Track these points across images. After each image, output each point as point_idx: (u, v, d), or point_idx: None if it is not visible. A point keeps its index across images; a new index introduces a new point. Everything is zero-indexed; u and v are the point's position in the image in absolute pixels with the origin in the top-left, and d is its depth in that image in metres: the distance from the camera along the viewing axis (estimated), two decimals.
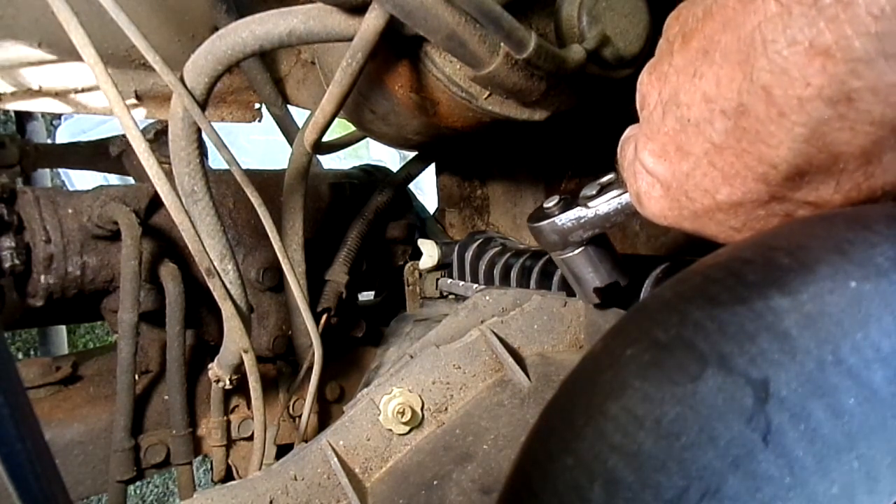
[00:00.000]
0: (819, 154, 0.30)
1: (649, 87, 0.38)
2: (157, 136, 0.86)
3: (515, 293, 0.65)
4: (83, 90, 0.90)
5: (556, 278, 0.69)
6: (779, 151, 0.31)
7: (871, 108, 0.27)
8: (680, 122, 0.35)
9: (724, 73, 0.32)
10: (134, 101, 0.93)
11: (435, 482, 0.50)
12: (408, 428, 0.55)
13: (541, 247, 0.55)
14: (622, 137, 0.43)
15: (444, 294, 0.98)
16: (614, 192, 0.47)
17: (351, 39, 0.58)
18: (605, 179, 0.49)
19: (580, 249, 0.52)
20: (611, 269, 0.53)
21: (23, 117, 1.59)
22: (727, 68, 0.31)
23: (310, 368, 0.77)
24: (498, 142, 1.01)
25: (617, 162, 0.44)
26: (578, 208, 0.49)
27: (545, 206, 0.52)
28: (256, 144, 2.43)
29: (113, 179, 1.63)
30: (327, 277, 0.90)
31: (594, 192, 0.49)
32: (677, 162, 0.36)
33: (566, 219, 0.50)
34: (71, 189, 1.66)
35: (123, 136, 0.90)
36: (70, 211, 0.77)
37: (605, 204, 0.48)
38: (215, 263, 0.65)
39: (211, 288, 0.65)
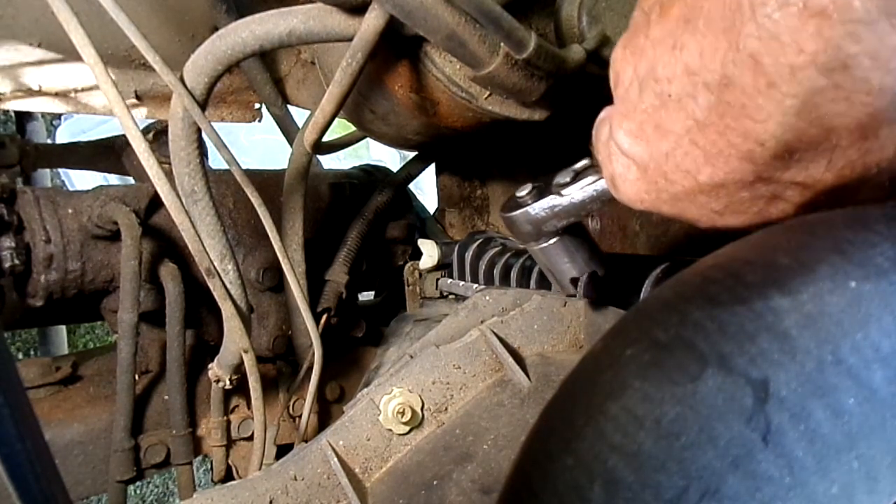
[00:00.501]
0: (810, 129, 0.28)
1: (623, 63, 0.35)
2: (157, 136, 0.86)
3: (515, 293, 0.65)
4: (83, 90, 0.90)
5: None
6: (766, 127, 0.28)
7: (870, 76, 0.25)
8: (659, 97, 0.32)
9: (708, 42, 0.29)
10: (134, 101, 0.93)
11: (435, 482, 0.50)
12: (408, 428, 0.55)
13: (515, 238, 0.54)
14: (597, 119, 0.40)
15: (444, 294, 0.98)
16: (589, 179, 0.45)
17: (351, 39, 0.58)
18: (579, 165, 0.47)
19: (555, 239, 0.49)
20: (587, 259, 0.51)
21: (23, 117, 1.59)
22: (711, 37, 0.29)
23: (310, 368, 0.77)
24: (498, 142, 1.01)
25: (592, 145, 0.41)
26: (551, 196, 0.47)
27: (518, 194, 0.49)
28: (256, 144, 2.43)
29: (113, 179, 1.62)
30: (327, 277, 0.90)
31: (568, 180, 0.46)
32: (655, 141, 0.33)
33: (539, 208, 0.47)
34: (71, 189, 1.66)
35: (123, 135, 0.91)
36: (70, 211, 0.77)
37: (579, 191, 0.45)
38: (215, 263, 0.65)
39: (211, 288, 0.65)
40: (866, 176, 0.30)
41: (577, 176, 0.46)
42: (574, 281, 0.51)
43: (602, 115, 0.39)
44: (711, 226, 0.36)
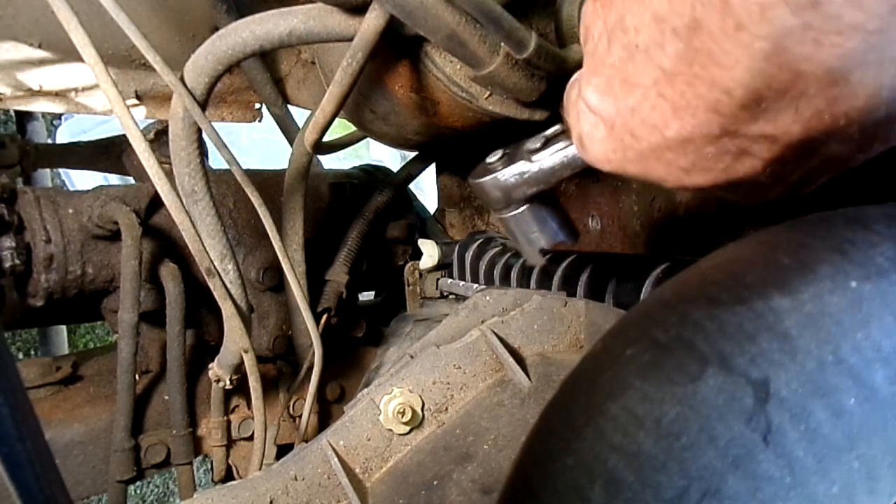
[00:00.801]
0: (780, 74, 0.27)
1: (593, 17, 0.35)
2: (158, 136, 0.86)
3: (515, 293, 0.65)
4: (83, 90, 0.90)
5: (556, 278, 0.69)
6: (734, 73, 0.28)
7: (842, 12, 0.24)
8: (627, 49, 0.32)
9: None
10: (134, 101, 0.93)
11: (435, 482, 0.50)
12: (408, 428, 0.55)
13: (484, 205, 0.54)
14: (569, 81, 0.39)
15: (445, 294, 0.98)
16: (560, 145, 0.44)
17: (351, 39, 0.58)
18: (550, 132, 0.46)
19: (524, 207, 0.49)
20: (557, 229, 0.50)
21: (23, 117, 1.59)
22: None
23: (310, 368, 0.77)
24: (498, 142, 1.01)
25: (563, 109, 0.40)
26: (521, 162, 0.46)
27: (487, 161, 0.48)
28: (256, 144, 2.43)
29: (113, 179, 1.62)
30: (327, 277, 0.90)
31: (538, 146, 0.45)
32: (623, 96, 0.33)
33: (508, 174, 0.47)
34: (71, 189, 1.66)
35: (123, 135, 0.91)
36: (70, 211, 0.77)
37: (549, 157, 0.45)
38: (215, 263, 0.65)
39: (211, 288, 0.65)
40: (834, 128, 0.29)
41: (548, 142, 0.45)
42: (544, 252, 0.50)
43: (573, 76, 0.39)
44: (679, 185, 0.35)
